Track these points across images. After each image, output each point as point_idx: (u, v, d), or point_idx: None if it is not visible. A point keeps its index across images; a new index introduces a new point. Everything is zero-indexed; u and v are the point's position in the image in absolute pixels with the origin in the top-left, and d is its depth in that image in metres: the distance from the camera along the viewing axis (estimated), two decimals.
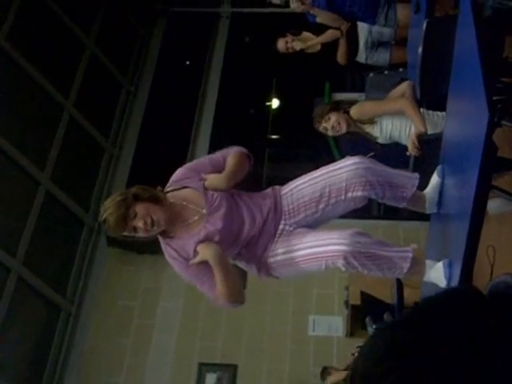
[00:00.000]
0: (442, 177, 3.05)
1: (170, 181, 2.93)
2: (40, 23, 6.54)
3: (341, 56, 5.30)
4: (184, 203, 2.83)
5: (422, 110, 4.05)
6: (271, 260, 2.84)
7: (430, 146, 3.61)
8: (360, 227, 2.79)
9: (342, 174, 2.82)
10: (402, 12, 4.91)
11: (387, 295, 4.81)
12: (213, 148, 7.43)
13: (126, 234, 2.76)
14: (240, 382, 5.92)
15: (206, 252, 2.72)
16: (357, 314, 5.54)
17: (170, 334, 6.17)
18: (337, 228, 2.78)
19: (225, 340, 6.11)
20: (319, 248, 2.68)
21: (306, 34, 5.43)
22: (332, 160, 2.98)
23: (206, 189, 2.84)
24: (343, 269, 2.67)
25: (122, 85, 7.64)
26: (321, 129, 4.29)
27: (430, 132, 3.86)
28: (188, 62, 8.40)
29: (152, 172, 7.25)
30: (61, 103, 6.58)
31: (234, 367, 5.96)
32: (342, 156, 3.02)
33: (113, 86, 7.54)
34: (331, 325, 6.04)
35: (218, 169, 2.90)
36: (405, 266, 2.67)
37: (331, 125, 4.20)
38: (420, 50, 3.61)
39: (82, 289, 6.41)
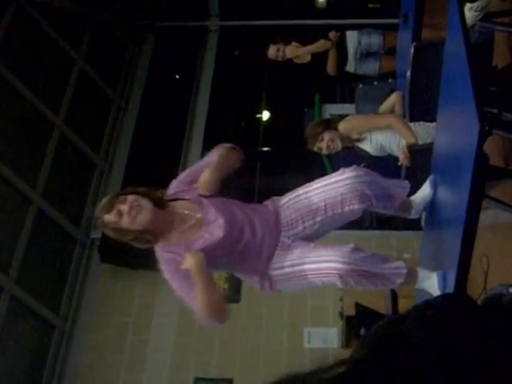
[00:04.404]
0: (434, 187, 3.06)
1: (167, 195, 2.91)
2: (29, 40, 6.53)
3: (331, 67, 5.29)
4: (180, 211, 2.81)
5: (413, 123, 4.02)
6: (273, 273, 2.80)
7: (421, 156, 3.61)
8: (353, 238, 2.80)
9: (337, 188, 2.81)
10: None
11: (381, 306, 4.80)
12: None
13: (110, 219, 2.72)
14: None
15: (189, 260, 2.65)
16: (352, 325, 5.52)
17: (165, 349, 6.13)
18: (332, 240, 2.77)
19: (220, 354, 6.07)
20: (318, 264, 2.66)
21: (296, 44, 5.41)
22: (323, 171, 2.98)
23: (201, 197, 2.83)
24: (340, 286, 2.66)
25: (112, 100, 7.63)
26: (315, 149, 4.22)
27: (421, 142, 3.85)
28: (178, 76, 8.41)
29: (143, 186, 7.29)
30: (51, 120, 6.56)
31: (230, 381, 5.93)
32: (335, 170, 3.00)
33: (103, 101, 7.53)
34: (326, 337, 6.02)
35: None
36: (398, 281, 2.67)
37: (326, 144, 4.14)
38: (408, 74, 3.63)
39: (76, 306, 6.36)
